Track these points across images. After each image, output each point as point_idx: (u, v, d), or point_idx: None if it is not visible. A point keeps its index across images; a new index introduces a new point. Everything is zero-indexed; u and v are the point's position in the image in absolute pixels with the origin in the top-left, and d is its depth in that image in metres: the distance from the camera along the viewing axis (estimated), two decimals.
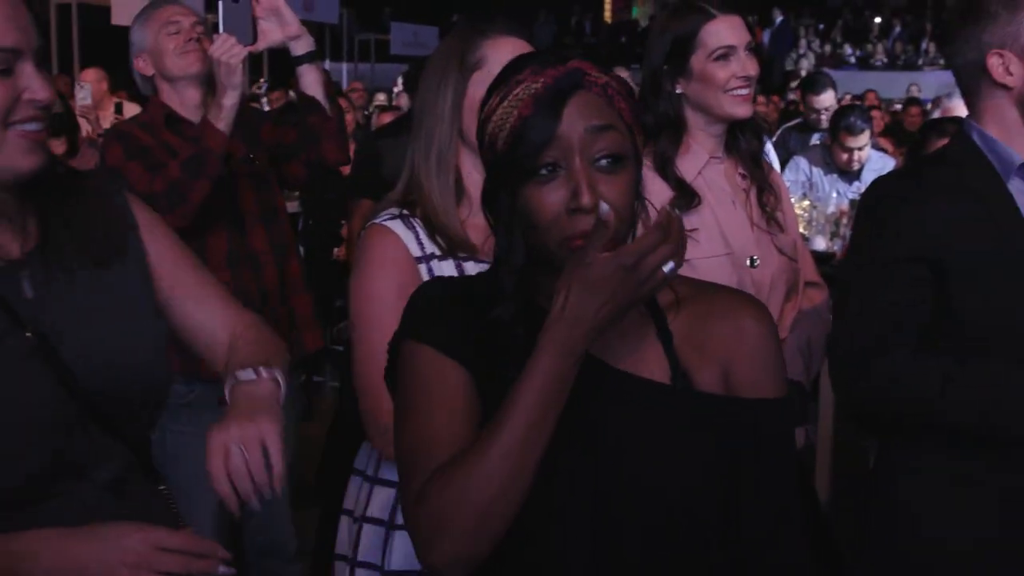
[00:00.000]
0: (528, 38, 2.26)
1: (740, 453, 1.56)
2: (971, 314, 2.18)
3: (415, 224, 2.14)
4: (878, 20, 24.99)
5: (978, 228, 2.19)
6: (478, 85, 2.16)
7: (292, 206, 6.79)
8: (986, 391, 2.13)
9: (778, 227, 2.72)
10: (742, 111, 2.65)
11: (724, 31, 2.62)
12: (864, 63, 23.16)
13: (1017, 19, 2.21)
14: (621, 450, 1.52)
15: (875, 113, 9.57)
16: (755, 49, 2.67)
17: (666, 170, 2.61)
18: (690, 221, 2.47)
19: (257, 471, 1.59)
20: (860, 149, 5.85)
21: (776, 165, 4.95)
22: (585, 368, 1.48)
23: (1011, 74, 2.22)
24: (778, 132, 7.47)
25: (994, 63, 2.22)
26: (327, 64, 17.74)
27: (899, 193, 2.27)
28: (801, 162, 6.09)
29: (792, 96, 12.90)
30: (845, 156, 5.86)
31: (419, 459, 1.47)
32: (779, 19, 23.19)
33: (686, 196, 2.59)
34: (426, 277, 2.10)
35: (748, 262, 2.63)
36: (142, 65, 3.35)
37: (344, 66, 18.37)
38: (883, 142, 8.05)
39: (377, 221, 2.16)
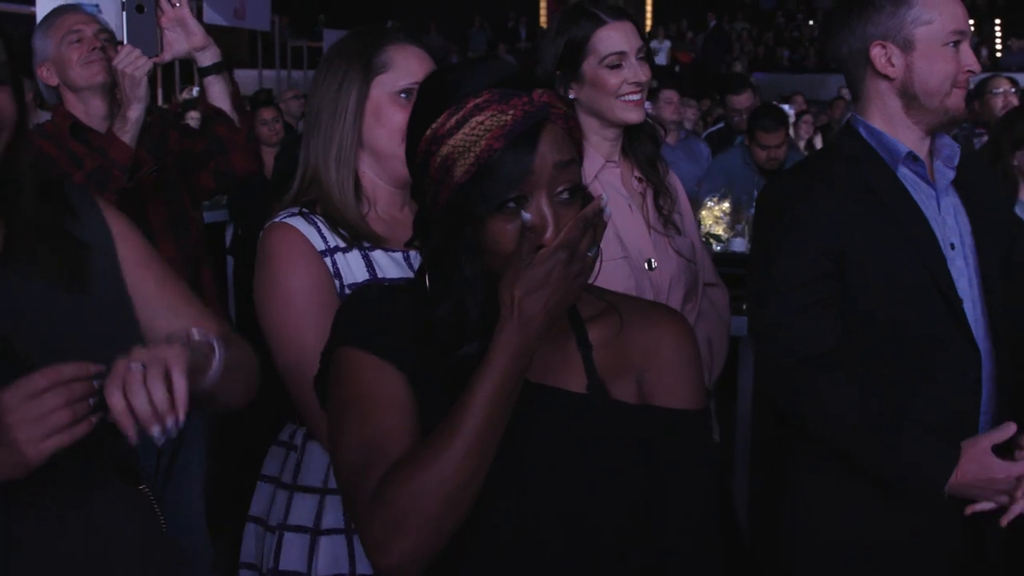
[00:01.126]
0: (431, 51, 2.27)
1: (656, 462, 1.59)
2: (870, 306, 2.24)
3: (315, 220, 2.14)
4: (811, 23, 25.30)
5: (875, 219, 2.25)
6: (381, 88, 2.18)
7: (220, 215, 6.75)
8: (892, 454, 2.17)
9: (675, 229, 2.76)
10: (634, 116, 2.67)
11: (615, 37, 2.64)
12: (797, 66, 23.43)
13: (900, 13, 2.28)
14: (537, 461, 1.55)
15: (807, 117, 9.70)
16: (647, 55, 2.70)
17: None
18: None
19: (157, 394, 1.46)
20: (777, 147, 5.92)
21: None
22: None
23: (893, 65, 2.30)
24: (704, 135, 7.55)
25: (877, 54, 2.30)
26: (260, 72, 17.65)
27: (797, 189, 2.33)
28: (721, 164, 6.14)
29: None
30: (763, 154, 5.93)
31: (372, 460, 1.47)
32: (712, 23, 23.45)
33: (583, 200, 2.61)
34: (332, 270, 2.11)
35: (646, 265, 2.66)
36: (45, 74, 3.32)
37: (277, 73, 18.29)
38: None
39: (277, 220, 2.15)
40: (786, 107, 9.22)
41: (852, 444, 2.20)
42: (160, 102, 12.24)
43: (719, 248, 5.01)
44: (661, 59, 21.33)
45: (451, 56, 21.67)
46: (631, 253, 2.64)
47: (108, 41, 3.29)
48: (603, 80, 2.64)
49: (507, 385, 1.45)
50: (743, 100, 6.95)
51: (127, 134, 3.05)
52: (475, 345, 1.51)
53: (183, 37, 3.21)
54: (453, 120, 1.50)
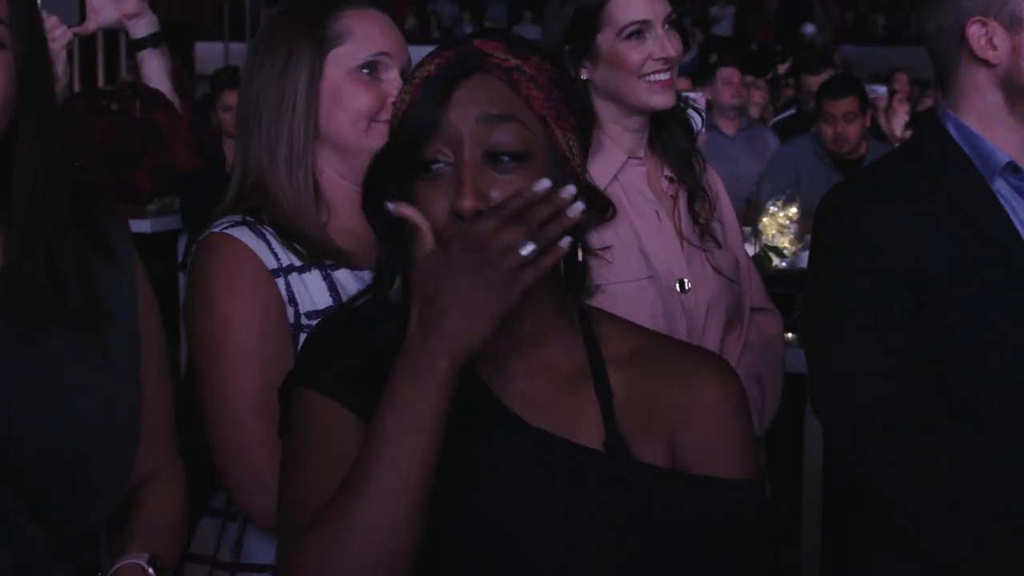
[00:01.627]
0: (389, 11, 2.25)
1: (687, 544, 1.58)
2: (959, 343, 2.18)
3: (264, 231, 2.13)
4: None
5: (960, 241, 2.19)
6: (338, 64, 2.16)
7: (171, 222, 6.76)
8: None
9: (714, 242, 2.74)
10: (661, 100, 2.65)
11: (637, 3, 2.63)
12: (895, 36, 23.35)
13: None
14: (532, 524, 1.55)
15: (900, 97, 9.64)
16: (676, 23, 2.68)
17: None
18: (603, 237, 2.49)
19: None
20: (846, 120, 5.85)
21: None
22: (500, 425, 1.56)
23: (994, 48, 2.22)
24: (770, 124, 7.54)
25: (975, 32, 2.23)
26: (226, 45, 17.75)
27: (863, 202, 2.27)
28: (786, 156, 6.11)
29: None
30: (830, 131, 5.87)
31: (298, 510, 1.54)
32: None
33: (597, 206, 2.59)
34: (284, 294, 2.10)
35: (677, 286, 2.64)
36: None
37: (247, 47, 18.32)
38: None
39: (217, 230, 2.13)
40: (878, 88, 9.18)
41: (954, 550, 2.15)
42: (102, 84, 12.31)
43: (784, 264, 4.99)
44: (724, 28, 21.32)
45: (463, 26, 21.76)
46: (659, 271, 2.63)
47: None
48: (622, 56, 2.63)
49: (407, 409, 1.46)
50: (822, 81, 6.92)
51: None
52: (388, 327, 1.54)
53: (112, 3, 3.22)
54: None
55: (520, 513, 1.55)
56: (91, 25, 3.25)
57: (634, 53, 2.62)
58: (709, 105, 7.36)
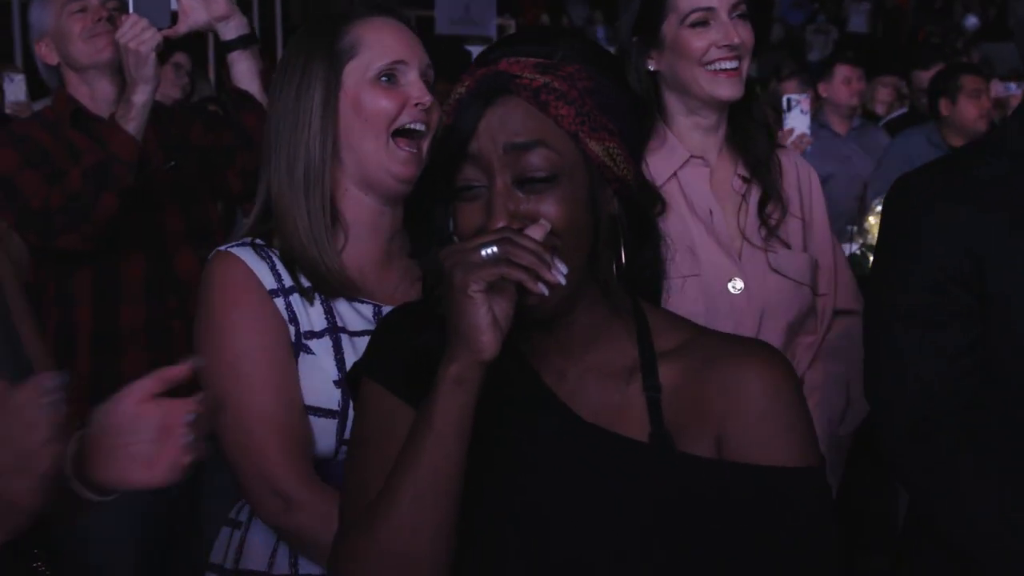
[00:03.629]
0: (405, 20, 2.25)
1: (734, 533, 1.57)
2: (1008, 359, 2.12)
3: (270, 254, 2.15)
4: None
5: None
6: (354, 76, 2.16)
7: None
8: None
9: (782, 244, 2.70)
10: (726, 91, 2.64)
11: None
12: None
13: None
14: (578, 515, 1.57)
15: None
16: (748, 12, 2.66)
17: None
18: None
19: None
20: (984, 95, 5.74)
21: None
22: (549, 416, 1.59)
23: None
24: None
25: None
26: None
27: (932, 196, 2.19)
28: (899, 151, 6.00)
29: None
30: (974, 111, 5.75)
31: (352, 502, 1.63)
32: None
33: (648, 200, 2.59)
34: (284, 313, 2.12)
35: (730, 287, 2.62)
36: (45, 51, 3.44)
37: None
38: None
39: (222, 248, 2.19)
40: (1011, 85, 8.99)
41: (999, 561, 2.10)
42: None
43: None
44: (859, 24, 20.96)
45: (596, 27, 21.69)
46: (705, 270, 2.60)
47: (118, 10, 3.36)
48: (685, 43, 2.62)
49: (433, 419, 1.51)
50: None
51: (131, 122, 3.11)
52: (434, 334, 1.57)
53: (202, 5, 3.28)
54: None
55: (566, 504, 1.58)
56: (182, 27, 3.31)
57: (697, 40, 2.61)
58: (823, 102, 7.29)
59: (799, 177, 2.81)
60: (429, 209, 1.63)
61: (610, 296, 1.65)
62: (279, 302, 2.13)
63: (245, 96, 3.35)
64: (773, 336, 2.64)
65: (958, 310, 2.12)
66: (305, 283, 2.14)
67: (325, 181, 2.15)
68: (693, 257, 2.60)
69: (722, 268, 2.63)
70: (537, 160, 1.55)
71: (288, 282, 2.14)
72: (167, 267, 3.40)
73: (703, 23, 2.62)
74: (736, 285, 2.64)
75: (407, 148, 2.17)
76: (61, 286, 3.38)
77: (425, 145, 2.17)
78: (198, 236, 3.47)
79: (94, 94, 3.41)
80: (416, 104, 2.17)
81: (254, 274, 2.13)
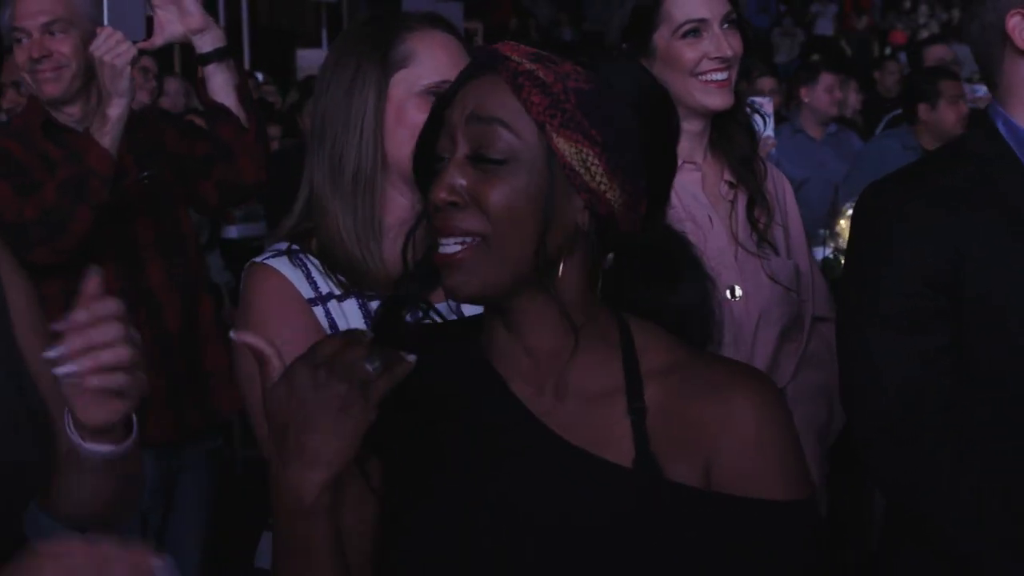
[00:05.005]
0: (458, 35, 2.26)
1: (720, 567, 1.54)
2: (995, 354, 2.17)
3: (305, 261, 2.16)
4: None
5: (1003, 241, 2.17)
6: (402, 87, 2.18)
7: (257, 229, 6.86)
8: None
9: (772, 249, 2.71)
10: (718, 100, 2.65)
11: (694, 1, 2.62)
12: None
13: None
14: (556, 540, 1.55)
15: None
16: (737, 22, 2.67)
17: None
18: None
19: None
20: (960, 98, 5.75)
21: None
22: (526, 435, 1.57)
23: None
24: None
25: (1016, 25, 2.21)
26: (325, 51, 17.91)
27: (903, 201, 2.25)
28: (872, 154, 6.01)
29: None
30: (954, 115, 5.80)
31: None
32: None
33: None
34: (324, 321, 2.14)
35: (728, 293, 2.63)
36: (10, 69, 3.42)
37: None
38: None
39: (258, 260, 2.18)
40: (979, 88, 9.05)
41: (983, 556, 2.14)
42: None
43: None
44: (826, 27, 21.06)
45: (563, 29, 21.71)
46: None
47: (66, 30, 3.28)
48: (677, 54, 2.62)
49: (296, 541, 1.50)
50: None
51: (107, 136, 3.10)
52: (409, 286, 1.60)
53: (177, 17, 3.26)
54: None
55: (543, 530, 1.55)
56: (158, 40, 3.29)
57: (689, 51, 2.62)
58: (799, 107, 7.31)
59: (774, 184, 2.82)
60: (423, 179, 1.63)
61: (585, 312, 1.59)
62: (318, 311, 2.15)
63: (221, 109, 3.33)
64: (766, 342, 2.67)
65: (932, 313, 2.17)
66: (336, 289, 2.15)
67: (376, 185, 2.18)
68: None
69: (723, 275, 2.61)
70: (493, 138, 1.53)
71: (325, 288, 2.16)
72: (138, 278, 3.38)
73: (695, 33, 2.63)
74: (737, 292, 2.65)
75: None
76: None
77: None
78: (170, 246, 3.46)
79: (58, 114, 3.38)
80: None
81: (291, 284, 2.14)
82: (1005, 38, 2.23)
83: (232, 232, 6.76)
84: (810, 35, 20.50)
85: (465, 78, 1.58)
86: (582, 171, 1.53)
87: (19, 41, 3.32)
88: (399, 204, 2.21)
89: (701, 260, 1.68)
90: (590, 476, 1.56)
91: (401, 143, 2.15)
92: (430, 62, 2.19)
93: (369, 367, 1.45)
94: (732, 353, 2.58)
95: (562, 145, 1.53)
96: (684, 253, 1.66)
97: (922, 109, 6.21)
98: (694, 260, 1.66)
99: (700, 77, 2.63)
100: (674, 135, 1.64)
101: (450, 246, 1.53)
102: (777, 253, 2.74)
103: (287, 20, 18.42)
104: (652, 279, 1.64)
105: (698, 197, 2.68)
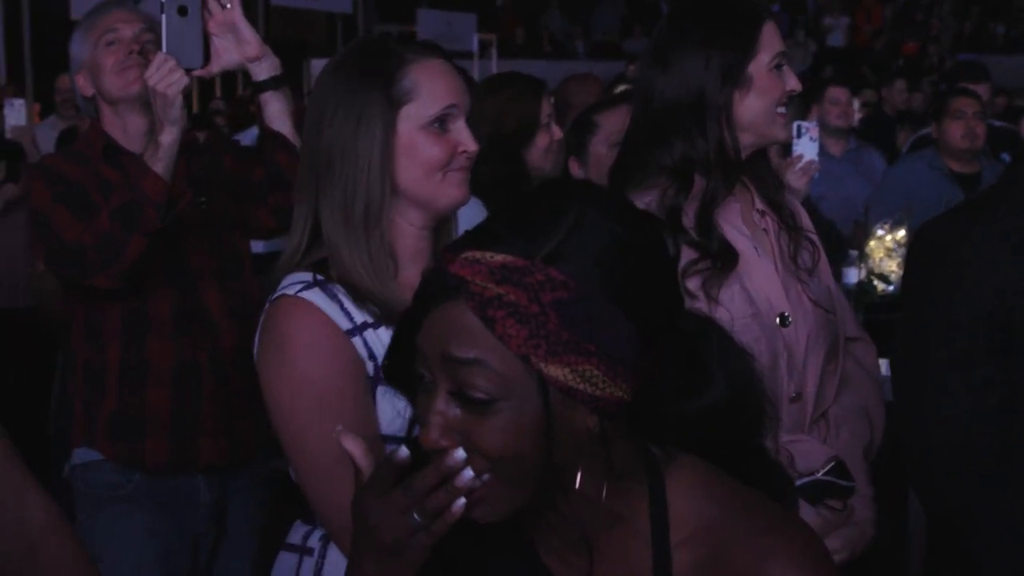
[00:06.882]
0: (448, 57, 2.30)
1: None
2: None
3: (336, 292, 2.20)
4: None
5: None
6: (409, 122, 2.22)
7: (282, 243, 6.89)
8: None
9: (807, 273, 2.76)
10: (785, 134, 2.73)
11: (776, 34, 2.67)
12: (1017, 45, 22.90)
13: None
14: None
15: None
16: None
17: (705, 226, 2.62)
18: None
19: None
20: (975, 115, 5.74)
21: None
22: None
23: None
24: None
25: None
26: None
27: (953, 234, 2.29)
28: (898, 174, 6.03)
29: None
30: (959, 130, 5.77)
31: None
32: None
33: (725, 257, 2.61)
34: (364, 351, 2.19)
35: (778, 320, 2.67)
36: (82, 83, 3.47)
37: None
38: None
39: (290, 293, 2.20)
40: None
41: None
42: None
43: (891, 289, 4.93)
44: (837, 39, 21.12)
45: (575, 42, 21.73)
46: (760, 308, 2.65)
47: (153, 43, 3.37)
48: (771, 85, 2.65)
49: None
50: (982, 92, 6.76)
51: (159, 163, 3.14)
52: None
53: (234, 46, 3.30)
54: None
55: None
56: (214, 68, 3.32)
57: (779, 84, 2.67)
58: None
59: (792, 207, 2.87)
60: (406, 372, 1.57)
61: (613, 494, 1.54)
62: (356, 341, 2.19)
63: (277, 136, 3.39)
64: (815, 366, 2.71)
65: (992, 348, 2.20)
66: (370, 318, 2.19)
67: (384, 220, 2.22)
68: (747, 296, 2.64)
69: (774, 303, 2.67)
70: (474, 379, 1.44)
71: (359, 318, 2.19)
72: (195, 303, 3.43)
73: (779, 67, 2.68)
74: (787, 319, 2.68)
75: (458, 173, 2.26)
76: (90, 321, 3.43)
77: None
78: (226, 271, 3.51)
79: (126, 128, 3.44)
80: (462, 152, 2.25)
81: (328, 318, 2.18)
82: None
83: (259, 247, 6.80)
84: (822, 47, 20.56)
85: (428, 303, 1.48)
86: (582, 386, 1.45)
87: (111, 44, 3.40)
88: (404, 231, 2.27)
89: (729, 335, 1.61)
90: None
91: (411, 173, 2.23)
92: (433, 93, 2.23)
93: (453, 509, 1.46)
94: (787, 381, 2.65)
95: (554, 372, 1.44)
96: (708, 344, 1.58)
97: (934, 128, 6.27)
98: (724, 339, 1.59)
99: (779, 110, 2.68)
100: (664, 259, 1.56)
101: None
102: (813, 276, 2.78)
103: (300, 31, 18.51)
104: (688, 390, 1.54)
105: (740, 229, 2.71)
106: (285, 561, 2.34)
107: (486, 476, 1.46)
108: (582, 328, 1.43)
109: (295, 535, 2.35)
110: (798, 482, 2.57)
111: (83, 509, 3.42)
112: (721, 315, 2.54)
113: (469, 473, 1.44)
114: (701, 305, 2.53)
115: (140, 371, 3.38)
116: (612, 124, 3.95)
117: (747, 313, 2.63)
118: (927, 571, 2.47)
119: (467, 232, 1.53)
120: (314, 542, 2.30)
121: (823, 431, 2.77)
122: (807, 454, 2.65)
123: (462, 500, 1.44)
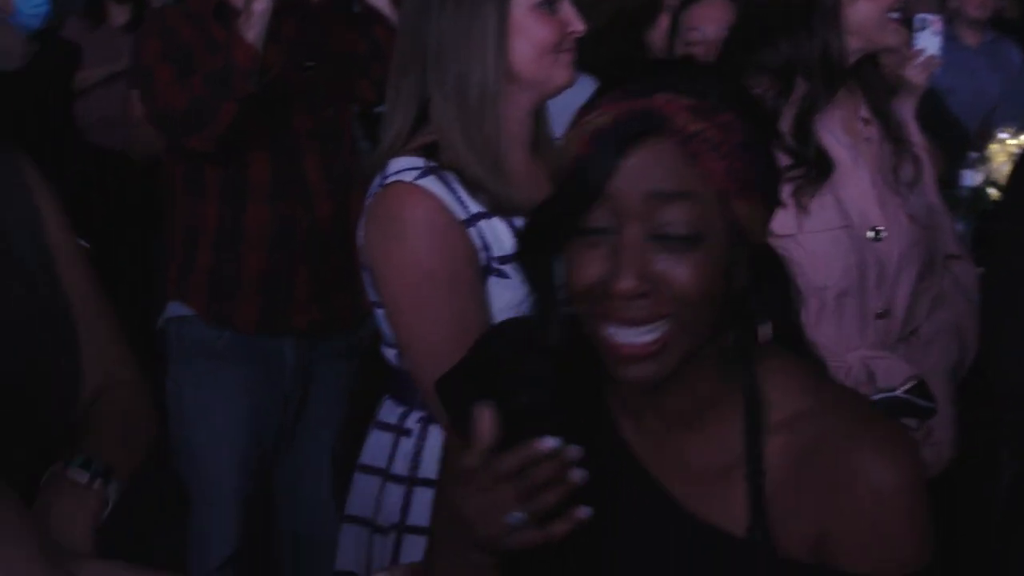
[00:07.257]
0: None
1: None
2: None
3: (450, 180, 2.20)
4: None
5: None
6: (521, 5, 2.23)
7: None
8: None
9: (907, 188, 2.71)
10: (895, 39, 2.68)
11: None
12: None
13: None
14: None
15: None
16: None
17: (802, 132, 2.59)
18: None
19: None
20: None
21: None
22: (643, 498, 1.55)
23: None
24: None
25: None
26: None
27: None
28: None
29: None
30: None
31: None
32: None
33: (820, 166, 2.58)
34: (479, 242, 2.21)
35: (871, 233, 2.62)
36: None
37: None
38: None
39: (405, 180, 2.21)
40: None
41: None
42: None
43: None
44: None
45: None
46: (853, 220, 2.61)
47: None
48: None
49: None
50: None
51: (252, 30, 3.12)
52: (540, 393, 1.47)
53: None
54: (572, 125, 1.51)
55: None
56: None
57: None
58: (952, 14, 7.10)
59: (900, 116, 2.81)
60: (540, 246, 1.52)
61: (726, 366, 1.54)
62: (472, 231, 2.21)
63: (375, 11, 3.39)
64: (907, 283, 2.68)
65: None
66: (483, 207, 2.21)
67: (499, 105, 2.23)
68: (839, 207, 2.61)
69: (868, 216, 2.64)
70: (680, 214, 1.42)
71: (473, 208, 2.21)
72: (294, 167, 3.43)
73: None
74: (880, 233, 2.64)
75: (567, 55, 2.29)
76: (190, 180, 3.45)
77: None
78: (327, 138, 3.50)
79: None
80: (571, 32, 2.28)
81: (448, 209, 2.20)
82: None
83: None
84: None
85: (624, 143, 1.43)
86: (753, 229, 1.49)
87: None
88: (516, 118, 2.28)
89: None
90: (703, 545, 1.52)
91: (525, 55, 2.24)
92: None
93: (510, 520, 1.43)
94: (875, 295, 2.61)
95: (741, 210, 1.46)
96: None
97: None
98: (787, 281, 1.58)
99: (891, 15, 2.64)
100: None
101: (639, 336, 1.44)
102: (911, 191, 2.73)
103: None
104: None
105: (839, 137, 2.66)
106: (379, 439, 2.38)
107: (664, 324, 1.44)
108: (758, 168, 1.47)
109: (389, 414, 2.38)
110: (875, 397, 2.54)
111: (175, 361, 3.49)
112: (812, 224, 2.52)
113: (580, 473, 1.43)
114: (790, 213, 2.49)
115: (236, 232, 3.41)
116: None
117: (837, 224, 2.59)
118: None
119: (627, 74, 1.50)
120: (412, 423, 2.33)
121: (913, 348, 2.74)
122: (888, 370, 2.62)
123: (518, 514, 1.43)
